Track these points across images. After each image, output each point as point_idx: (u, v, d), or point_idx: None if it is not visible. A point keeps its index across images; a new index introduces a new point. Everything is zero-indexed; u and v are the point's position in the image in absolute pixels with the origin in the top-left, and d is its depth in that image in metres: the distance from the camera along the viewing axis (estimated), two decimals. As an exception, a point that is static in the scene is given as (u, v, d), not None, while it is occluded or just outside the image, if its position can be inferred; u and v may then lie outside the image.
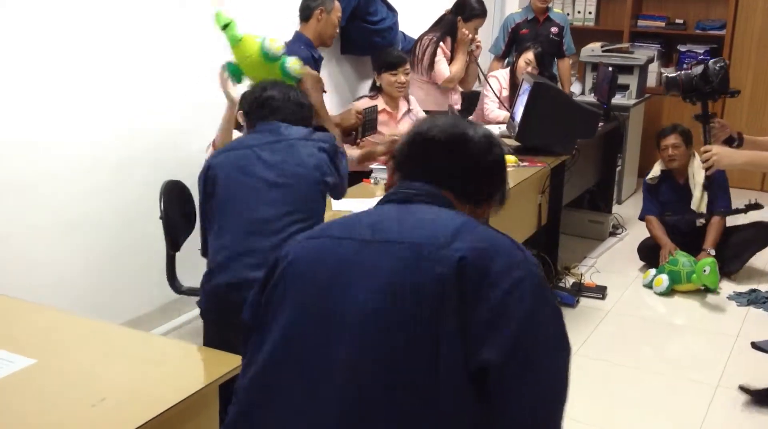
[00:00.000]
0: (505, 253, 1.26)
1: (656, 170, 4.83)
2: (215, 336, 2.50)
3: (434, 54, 4.60)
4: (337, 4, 3.92)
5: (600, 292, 4.33)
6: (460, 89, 4.90)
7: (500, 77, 5.00)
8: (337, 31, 3.99)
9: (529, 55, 4.86)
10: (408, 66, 4.17)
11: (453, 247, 1.23)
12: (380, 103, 4.14)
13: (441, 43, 4.64)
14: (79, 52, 3.20)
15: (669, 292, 4.38)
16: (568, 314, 4.06)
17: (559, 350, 1.25)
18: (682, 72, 3.28)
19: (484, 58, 5.52)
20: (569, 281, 4.42)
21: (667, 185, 4.78)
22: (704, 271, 4.30)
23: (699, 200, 4.61)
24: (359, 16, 4.58)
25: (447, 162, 1.42)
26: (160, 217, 3.05)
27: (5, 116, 2.97)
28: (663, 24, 6.54)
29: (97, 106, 3.30)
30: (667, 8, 6.63)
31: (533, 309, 1.21)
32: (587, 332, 3.86)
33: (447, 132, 1.44)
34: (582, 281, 4.40)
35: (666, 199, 4.78)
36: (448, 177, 1.42)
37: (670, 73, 6.36)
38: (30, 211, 3.08)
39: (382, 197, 1.45)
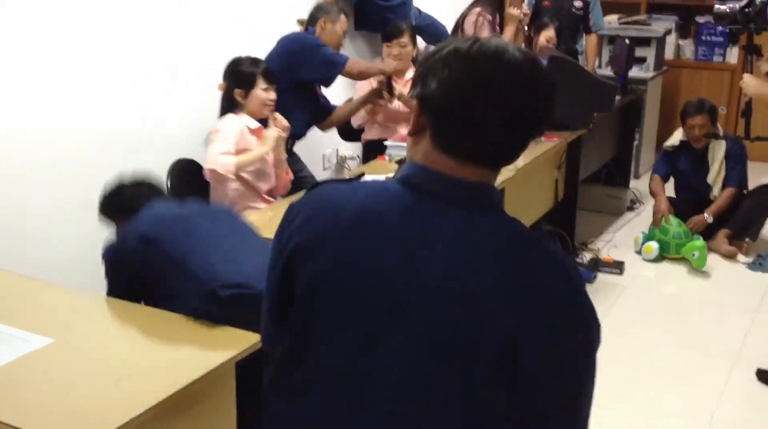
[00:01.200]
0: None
1: (676, 139, 4.77)
2: None
3: (491, 32, 4.49)
4: (343, 17, 3.86)
5: (617, 267, 4.30)
6: None
7: None
8: (342, 42, 3.93)
9: (550, 33, 4.75)
10: (405, 38, 4.13)
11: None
12: None
13: (485, 13, 4.54)
14: (94, 38, 3.20)
15: (659, 259, 4.43)
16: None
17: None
18: (730, 4, 3.54)
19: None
20: (587, 256, 4.39)
21: (686, 155, 4.73)
22: (693, 255, 4.26)
23: (716, 174, 4.58)
24: (372, -8, 4.54)
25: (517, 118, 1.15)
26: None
27: (22, 103, 2.98)
28: (681, -6, 6.43)
29: (109, 90, 3.30)
30: (686, -21, 6.52)
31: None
32: (605, 308, 3.83)
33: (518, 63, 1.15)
34: (599, 256, 4.38)
35: (683, 168, 4.74)
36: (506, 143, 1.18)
37: (687, 45, 6.35)
38: (45, 191, 3.09)
39: (405, 173, 1.20)
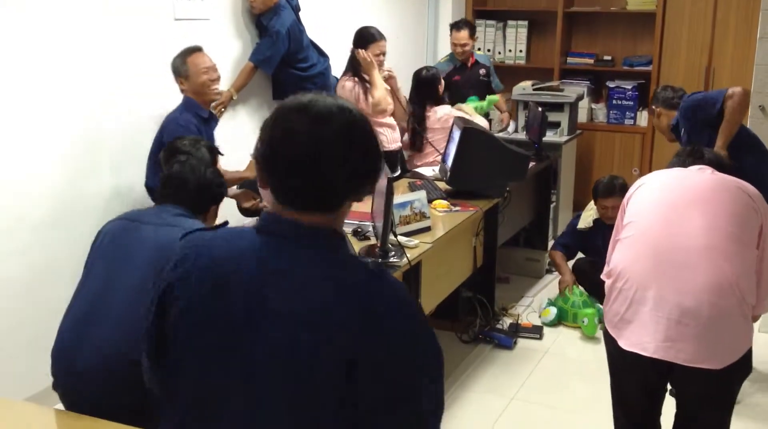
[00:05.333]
0: None
1: (589, 219, 4.80)
2: None
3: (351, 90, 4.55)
4: (194, 63, 3.71)
5: (537, 332, 4.35)
6: (394, 123, 4.84)
7: None
8: (215, 88, 3.81)
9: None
10: None
11: None
12: None
13: (356, 78, 4.58)
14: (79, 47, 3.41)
15: (555, 324, 4.48)
16: (506, 356, 4.07)
17: None
18: None
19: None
20: (506, 322, 4.43)
21: (601, 233, 4.74)
22: (583, 321, 4.38)
23: None
24: (289, 63, 4.57)
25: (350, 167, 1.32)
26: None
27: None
28: (592, 61, 6.68)
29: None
30: (596, 45, 6.78)
31: None
32: (525, 374, 3.85)
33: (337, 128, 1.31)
34: (519, 322, 4.42)
35: (600, 244, 4.75)
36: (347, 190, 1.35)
37: (600, 108, 6.57)
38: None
39: (259, 222, 1.38)
